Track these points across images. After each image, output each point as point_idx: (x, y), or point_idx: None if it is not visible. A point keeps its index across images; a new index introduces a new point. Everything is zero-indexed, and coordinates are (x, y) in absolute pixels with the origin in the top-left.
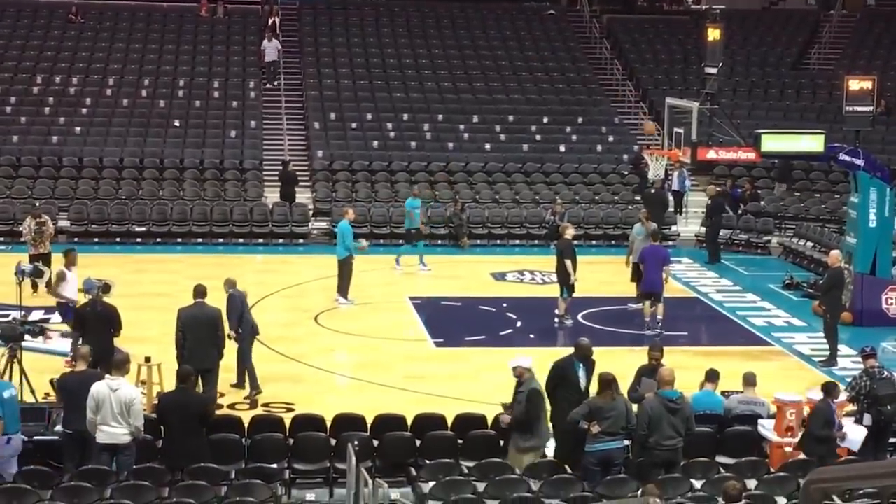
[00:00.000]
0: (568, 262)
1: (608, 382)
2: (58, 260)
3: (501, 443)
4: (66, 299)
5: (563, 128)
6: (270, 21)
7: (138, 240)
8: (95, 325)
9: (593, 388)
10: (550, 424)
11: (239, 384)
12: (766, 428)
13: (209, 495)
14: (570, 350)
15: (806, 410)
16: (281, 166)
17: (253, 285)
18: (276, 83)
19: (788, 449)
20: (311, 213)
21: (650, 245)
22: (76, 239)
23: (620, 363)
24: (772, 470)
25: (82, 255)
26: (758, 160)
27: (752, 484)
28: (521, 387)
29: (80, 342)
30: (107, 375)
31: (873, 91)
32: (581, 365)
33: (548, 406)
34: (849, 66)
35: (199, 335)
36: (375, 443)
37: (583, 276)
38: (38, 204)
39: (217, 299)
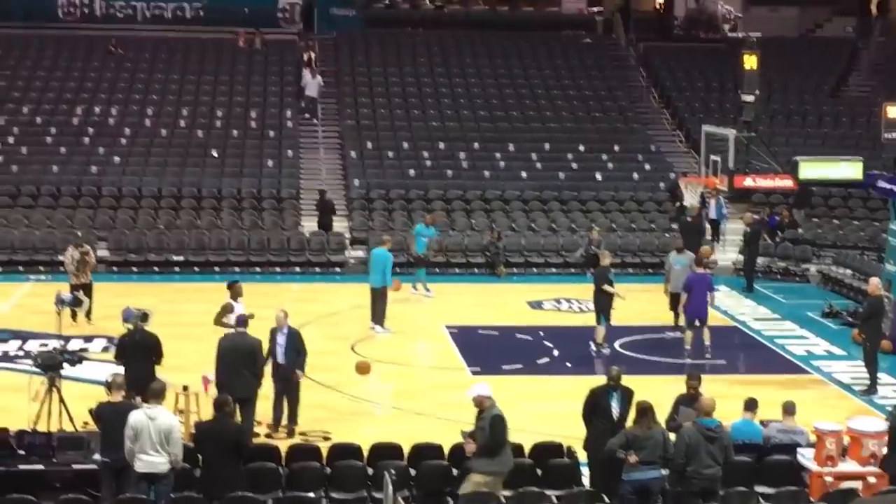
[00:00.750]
0: (607, 287)
1: (644, 411)
2: (104, 289)
3: (539, 471)
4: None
5: (599, 156)
6: (306, 56)
7: (176, 269)
8: (136, 353)
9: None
10: (584, 452)
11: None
12: (806, 457)
13: None
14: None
15: (846, 440)
16: (319, 195)
17: (290, 314)
18: (315, 120)
19: (829, 479)
20: (347, 241)
21: (695, 272)
22: (115, 268)
23: (658, 392)
24: (812, 500)
25: (120, 285)
26: (795, 188)
27: None
28: (482, 414)
29: (122, 371)
30: (143, 404)
31: None
32: (615, 393)
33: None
34: (887, 93)
35: (237, 365)
36: (412, 472)
37: (620, 304)
38: (79, 234)
39: (259, 328)
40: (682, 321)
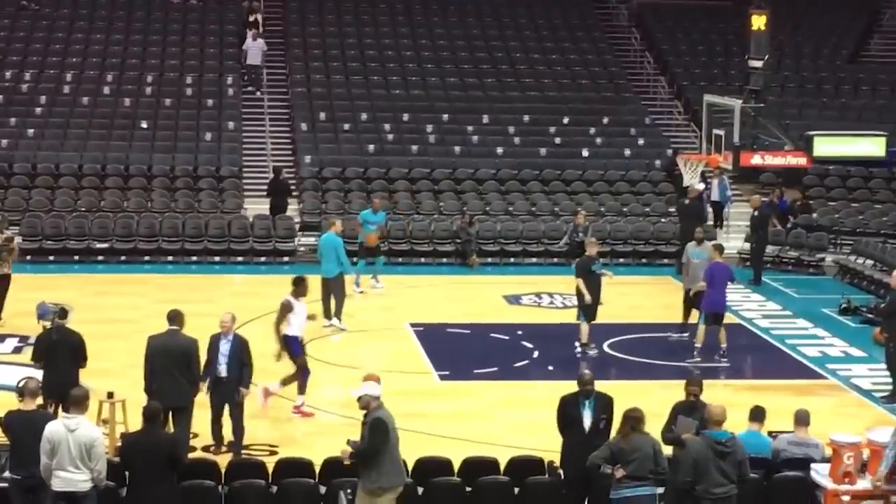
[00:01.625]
0: (580, 282)
1: (625, 419)
2: (16, 281)
3: (517, 490)
4: (282, 334)
5: (586, 129)
6: (252, 18)
7: (100, 258)
8: (56, 355)
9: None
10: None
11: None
12: (821, 473)
13: None
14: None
15: (866, 453)
16: (272, 175)
17: (231, 310)
18: (259, 92)
19: (846, 498)
20: (297, 227)
21: (716, 262)
22: (28, 257)
23: (653, 399)
24: None
25: (35, 276)
26: (809, 166)
27: None
28: (366, 418)
29: (36, 376)
30: (62, 414)
31: None
32: (586, 401)
33: (393, 442)
34: None
35: (170, 368)
36: None
37: (610, 298)
38: (4, 215)
39: (194, 326)
40: (693, 318)
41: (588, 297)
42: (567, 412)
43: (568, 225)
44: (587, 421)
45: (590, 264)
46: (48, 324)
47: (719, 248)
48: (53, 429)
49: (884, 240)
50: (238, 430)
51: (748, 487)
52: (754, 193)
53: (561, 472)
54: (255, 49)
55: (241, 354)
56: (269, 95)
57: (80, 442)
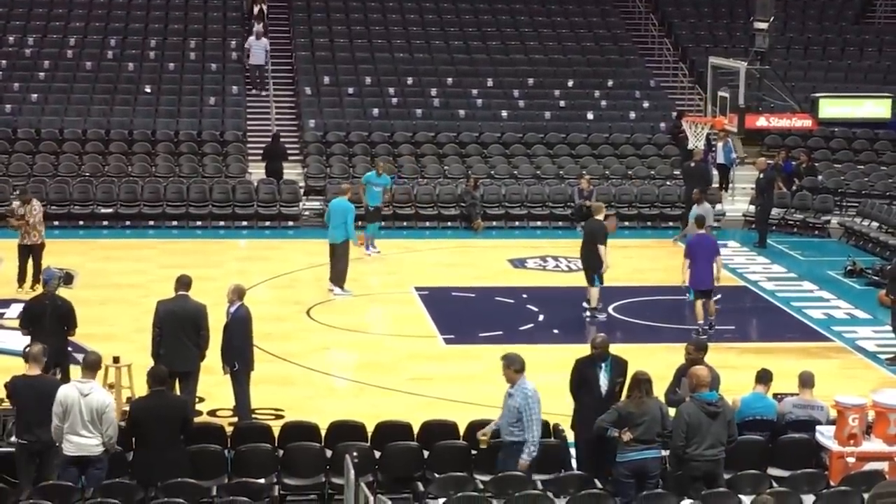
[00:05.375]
0: (601, 248)
1: (637, 382)
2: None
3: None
4: None
5: (590, 92)
6: (256, 9)
7: (105, 223)
8: (44, 322)
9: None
10: (571, 432)
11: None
12: (826, 435)
13: None
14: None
15: (871, 415)
16: (270, 139)
17: (236, 274)
18: (264, 92)
19: (851, 459)
20: (301, 191)
21: (698, 234)
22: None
23: (658, 362)
24: (832, 483)
25: None
26: (815, 128)
27: (809, 500)
28: None
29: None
30: (73, 379)
31: None
32: (602, 364)
33: None
34: None
35: (178, 333)
36: (377, 454)
37: (615, 262)
38: (26, 185)
39: (200, 291)
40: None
41: (607, 263)
42: (583, 375)
43: (572, 188)
44: (603, 384)
45: (605, 228)
46: (52, 289)
47: (699, 220)
48: (66, 392)
49: (889, 201)
50: (238, 398)
51: (754, 449)
52: (760, 156)
53: (567, 435)
54: (258, 48)
55: (233, 329)
56: (272, 58)
57: (91, 406)
